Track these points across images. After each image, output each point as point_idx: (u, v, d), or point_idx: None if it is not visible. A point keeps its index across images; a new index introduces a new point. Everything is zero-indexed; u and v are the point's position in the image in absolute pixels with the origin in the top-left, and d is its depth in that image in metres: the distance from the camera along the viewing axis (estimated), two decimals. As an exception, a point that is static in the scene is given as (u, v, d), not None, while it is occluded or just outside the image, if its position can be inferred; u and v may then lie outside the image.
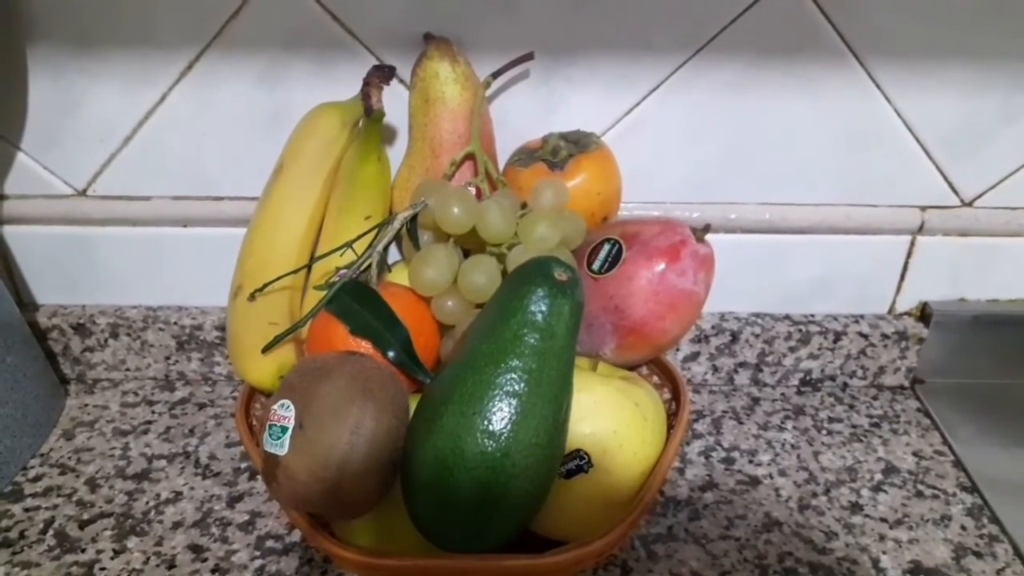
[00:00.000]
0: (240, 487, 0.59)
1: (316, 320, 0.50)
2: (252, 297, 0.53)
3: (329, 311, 0.49)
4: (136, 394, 0.69)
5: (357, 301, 0.48)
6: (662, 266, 0.51)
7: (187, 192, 0.64)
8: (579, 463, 0.46)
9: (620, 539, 0.44)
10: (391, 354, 0.47)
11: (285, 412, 0.42)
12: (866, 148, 0.63)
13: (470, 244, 0.53)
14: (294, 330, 0.50)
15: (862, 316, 0.71)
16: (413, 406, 0.46)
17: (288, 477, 0.42)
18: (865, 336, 0.69)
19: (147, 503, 0.58)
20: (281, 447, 0.42)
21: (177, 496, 0.59)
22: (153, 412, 0.67)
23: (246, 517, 0.57)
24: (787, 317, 0.70)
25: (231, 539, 0.55)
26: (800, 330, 0.69)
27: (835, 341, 0.69)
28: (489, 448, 0.40)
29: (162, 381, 0.70)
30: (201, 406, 0.68)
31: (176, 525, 0.56)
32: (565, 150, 0.57)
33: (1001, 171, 0.64)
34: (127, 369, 0.70)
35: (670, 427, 0.51)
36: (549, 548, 0.43)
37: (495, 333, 0.43)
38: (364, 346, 0.47)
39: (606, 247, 0.53)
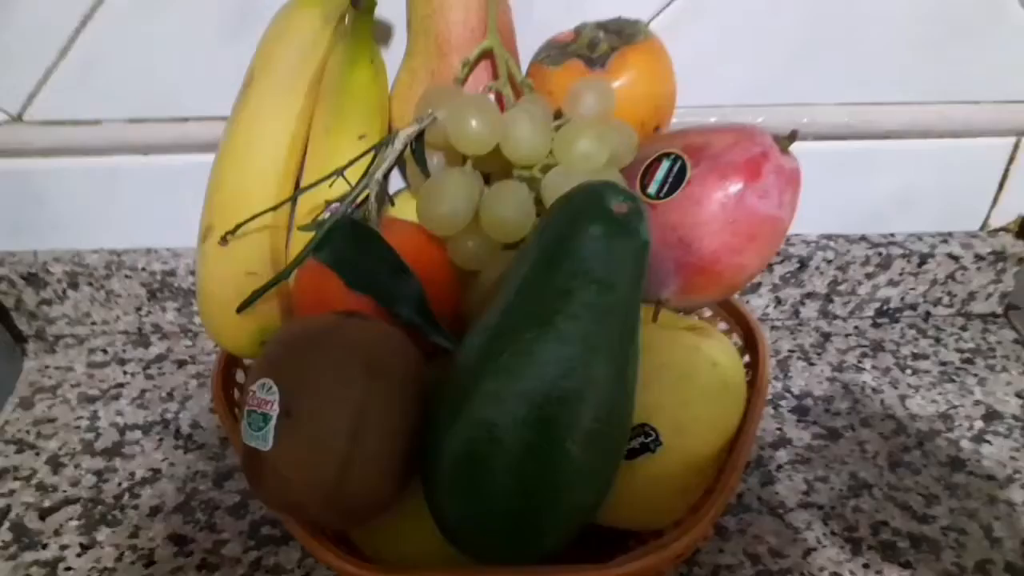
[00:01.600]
0: (228, 461, 0.51)
1: (303, 270, 0.39)
2: (224, 240, 0.42)
3: (319, 258, 0.38)
4: (105, 352, 0.59)
5: (353, 245, 0.38)
6: (739, 186, 0.40)
7: (144, 113, 0.53)
8: (644, 440, 0.37)
9: (703, 535, 0.35)
10: (400, 312, 0.37)
11: (266, 395, 0.32)
12: (970, 32, 0.52)
13: (492, 167, 0.42)
14: (276, 283, 0.40)
15: (950, 234, 0.60)
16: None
17: (276, 477, 0.33)
18: (955, 258, 0.59)
19: (120, 484, 0.49)
20: (264, 440, 0.32)
21: (155, 475, 0.50)
22: (125, 373, 0.58)
23: (236, 499, 0.48)
24: (863, 238, 0.60)
25: (219, 526, 0.47)
26: (879, 253, 0.58)
27: (920, 265, 0.59)
28: (535, 436, 0.31)
29: (134, 335, 0.61)
30: (180, 363, 0.58)
31: (154, 511, 0.48)
32: (605, 43, 0.45)
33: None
34: (93, 323, 0.60)
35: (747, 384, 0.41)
36: (606, 542, 0.34)
37: (537, 287, 0.32)
38: (365, 303, 0.37)
39: (665, 164, 0.42)
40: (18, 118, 0.53)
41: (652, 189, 0.42)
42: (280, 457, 0.32)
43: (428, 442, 0.34)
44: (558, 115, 0.43)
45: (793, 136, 0.42)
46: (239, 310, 0.39)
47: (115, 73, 0.52)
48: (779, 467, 0.50)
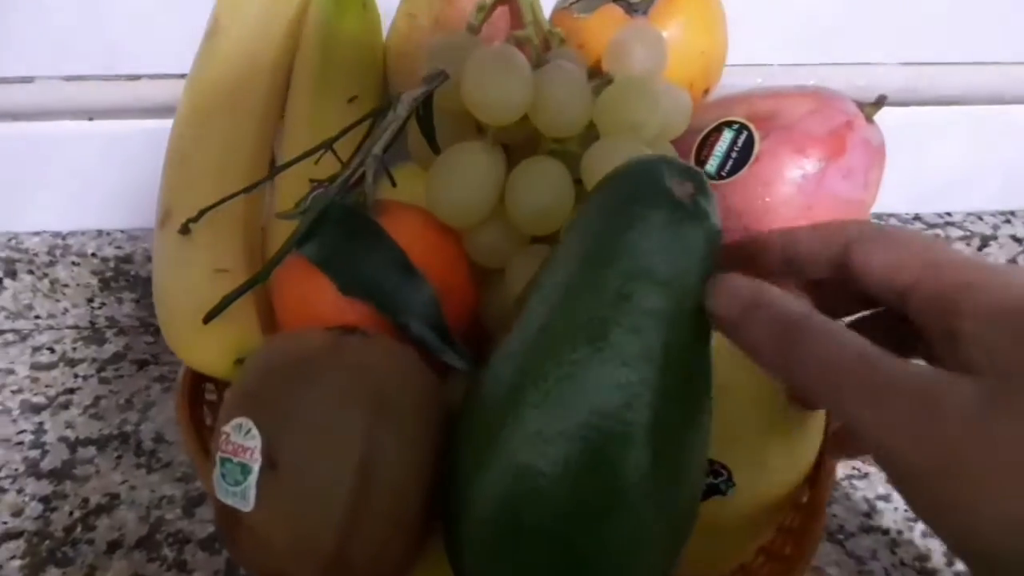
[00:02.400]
0: (200, 483, 0.43)
1: (285, 269, 0.32)
2: (185, 229, 0.35)
3: (304, 254, 0.31)
4: (51, 350, 0.51)
5: (347, 238, 0.30)
6: (819, 163, 0.33)
7: (87, 69, 0.45)
8: (714, 481, 0.30)
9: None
10: (408, 324, 0.29)
11: (244, 440, 0.25)
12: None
13: (516, 139, 0.34)
14: (252, 285, 0.32)
15: (1013, 213, 0.54)
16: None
17: (257, 543, 0.26)
18: (1020, 240, 0.52)
19: (71, 514, 0.42)
20: (242, 498, 0.25)
21: (112, 501, 0.42)
22: (76, 376, 0.50)
23: (210, 530, 0.41)
24: (917, 218, 0.53)
25: (190, 564, 0.40)
26: (937, 235, 0.52)
27: (981, 247, 0.53)
28: (589, 487, 0.24)
29: (86, 330, 0.53)
30: (141, 364, 0.50)
31: (113, 546, 0.40)
32: (647, -15, 0.37)
33: None
34: (36, 317, 0.52)
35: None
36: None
37: (584, 292, 0.25)
38: (363, 312, 0.29)
39: (727, 135, 0.35)
40: (-65, 75, 0.45)
41: (712, 166, 0.35)
42: (263, 520, 0.25)
43: (450, 493, 0.27)
44: (592, 74, 0.35)
45: (881, 102, 0.34)
46: (206, 319, 0.32)
47: (50, 21, 0.43)
48: (835, 484, 0.44)
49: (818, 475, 0.32)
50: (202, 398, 0.37)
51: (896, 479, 0.19)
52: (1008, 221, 0.53)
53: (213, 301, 0.32)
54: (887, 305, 0.23)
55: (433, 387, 0.28)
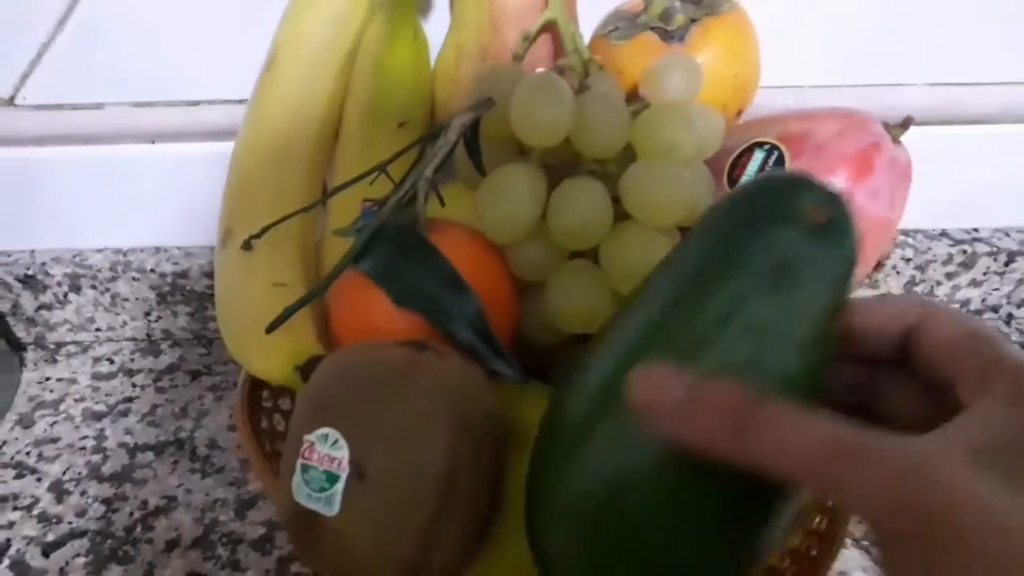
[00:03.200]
0: (251, 487, 0.46)
1: (342, 283, 0.34)
2: (247, 246, 0.37)
3: (360, 270, 0.33)
4: (111, 361, 0.54)
5: (400, 254, 0.32)
6: (847, 183, 0.34)
7: (151, 96, 0.48)
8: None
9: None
10: (458, 335, 0.31)
11: (332, 450, 0.27)
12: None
13: (558, 160, 0.36)
14: (311, 298, 0.34)
15: (1041, 230, 0.54)
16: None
17: (339, 547, 0.27)
18: (1048, 256, 0.53)
19: (131, 515, 0.44)
20: (328, 504, 0.26)
21: (170, 504, 0.45)
22: (134, 386, 0.52)
23: (262, 531, 0.43)
24: (944, 234, 0.54)
25: (243, 563, 0.42)
26: (964, 251, 0.53)
27: (1007, 264, 0.53)
28: (679, 499, 0.23)
29: (143, 342, 0.55)
30: (194, 375, 0.53)
31: (170, 545, 0.42)
32: (682, 13, 0.39)
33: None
34: (97, 329, 0.55)
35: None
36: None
37: (702, 334, 0.23)
38: (415, 323, 0.31)
39: (758, 155, 0.36)
40: (10, 101, 0.47)
41: (744, 185, 0.36)
42: (349, 526, 0.27)
43: (542, 487, 0.25)
44: (630, 98, 0.37)
45: (907, 124, 0.36)
46: (268, 330, 0.34)
47: (118, 51, 0.46)
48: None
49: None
50: (259, 406, 0.39)
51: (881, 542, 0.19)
52: (1037, 238, 0.53)
53: (273, 313, 0.34)
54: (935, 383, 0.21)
55: (498, 402, 0.29)
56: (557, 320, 0.34)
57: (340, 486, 0.26)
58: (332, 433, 0.26)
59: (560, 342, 0.37)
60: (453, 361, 0.29)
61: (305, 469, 0.27)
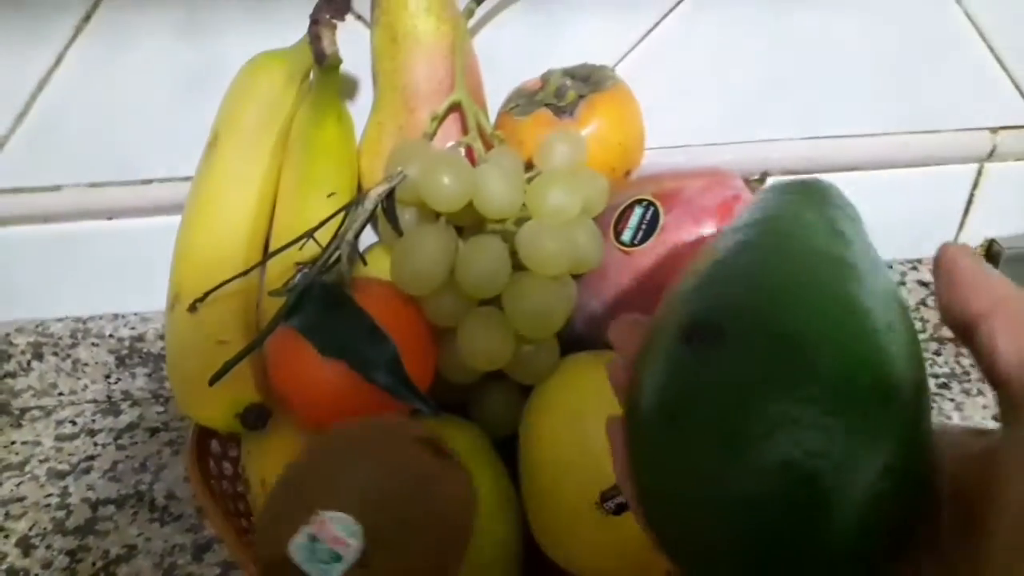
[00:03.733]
0: (207, 532, 0.49)
1: (276, 337, 0.38)
2: (193, 308, 0.41)
3: (291, 325, 0.37)
4: (73, 423, 0.58)
5: (325, 309, 0.37)
6: (713, 230, 0.40)
7: (106, 177, 0.52)
8: (623, 500, 0.36)
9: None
10: (376, 378, 0.36)
11: (345, 534, 0.29)
12: (930, 63, 0.52)
13: (465, 221, 0.41)
14: (247, 353, 0.38)
15: (919, 261, 0.60)
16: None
17: None
18: (925, 284, 0.59)
19: (94, 564, 0.47)
20: (324, 574, 0.29)
21: (131, 552, 0.48)
22: (95, 444, 0.56)
23: (217, 571, 0.47)
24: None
25: (200, 602, 0.45)
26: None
27: (893, 293, 0.59)
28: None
29: (104, 404, 0.59)
30: (153, 431, 0.57)
31: (131, 590, 0.46)
32: (573, 90, 0.45)
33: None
34: (60, 394, 0.58)
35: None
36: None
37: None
38: (339, 370, 0.36)
39: (637, 211, 0.42)
40: (-25, 188, 0.52)
41: (626, 236, 0.42)
42: None
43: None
44: (529, 166, 0.43)
45: (763, 178, 0.42)
46: (211, 382, 0.38)
47: (74, 137, 0.51)
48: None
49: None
50: (207, 452, 0.43)
51: None
52: (915, 268, 0.60)
53: (216, 367, 0.39)
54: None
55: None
56: (468, 360, 0.39)
57: (342, 567, 0.29)
58: (351, 523, 0.29)
59: (476, 381, 0.42)
60: (452, 462, 0.33)
61: (311, 539, 0.29)
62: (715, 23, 0.50)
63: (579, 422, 0.38)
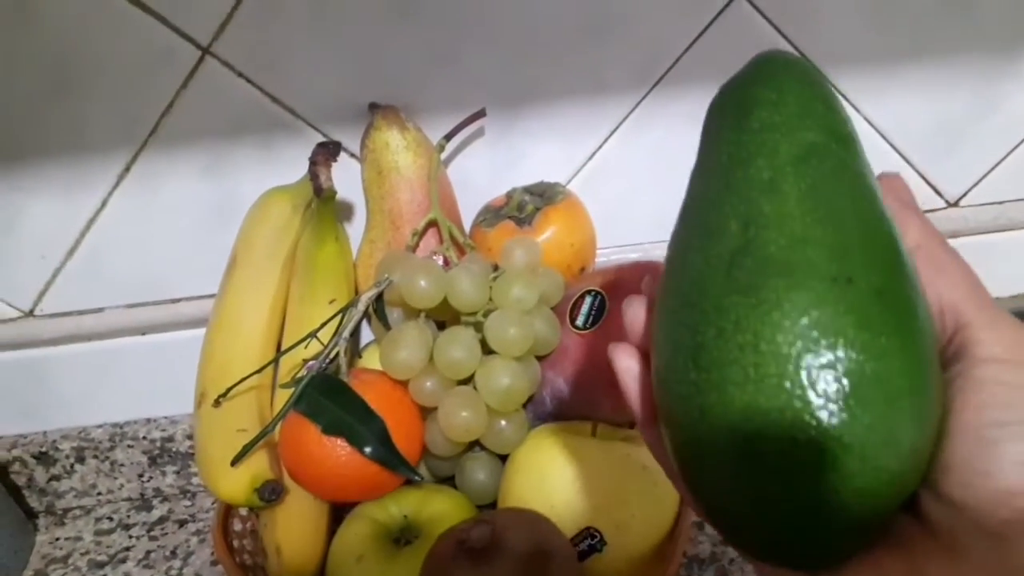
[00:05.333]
0: (230, 609, 0.55)
1: (286, 422, 0.46)
2: (217, 403, 0.49)
3: (298, 411, 0.45)
4: (111, 519, 0.64)
5: (326, 396, 0.45)
6: (648, 313, 0.47)
7: (141, 298, 0.61)
8: (592, 543, 0.42)
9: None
10: (368, 450, 0.43)
11: None
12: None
13: (444, 316, 0.49)
14: (262, 437, 0.46)
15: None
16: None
17: None
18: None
19: (130, 642, 0.53)
20: None
21: (163, 629, 0.54)
22: (130, 537, 0.62)
23: (239, 643, 0.52)
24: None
25: (225, 671, 0.50)
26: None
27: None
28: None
29: (137, 501, 0.66)
30: (182, 523, 0.63)
31: (163, 663, 0.51)
32: (531, 204, 0.54)
33: (982, 167, 0.61)
34: (99, 493, 0.65)
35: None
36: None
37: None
38: (339, 444, 0.43)
39: (588, 300, 0.49)
40: (30, 313, 0.61)
41: (579, 321, 0.49)
42: None
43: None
44: (496, 268, 0.51)
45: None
46: (233, 463, 0.45)
47: (114, 266, 0.60)
48: (731, 560, 0.55)
49: (677, 527, 0.44)
50: (231, 530, 0.49)
51: None
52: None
53: (237, 450, 0.46)
54: None
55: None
56: (449, 433, 0.46)
57: None
58: None
59: (460, 454, 0.49)
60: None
61: None
62: (651, 140, 0.59)
63: (545, 483, 0.44)
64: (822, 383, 0.20)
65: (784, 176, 0.23)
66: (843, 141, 0.24)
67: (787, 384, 0.20)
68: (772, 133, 0.24)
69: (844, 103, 0.57)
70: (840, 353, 0.20)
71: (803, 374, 0.20)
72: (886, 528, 0.21)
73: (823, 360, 0.20)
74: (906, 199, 0.25)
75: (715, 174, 0.25)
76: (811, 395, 0.20)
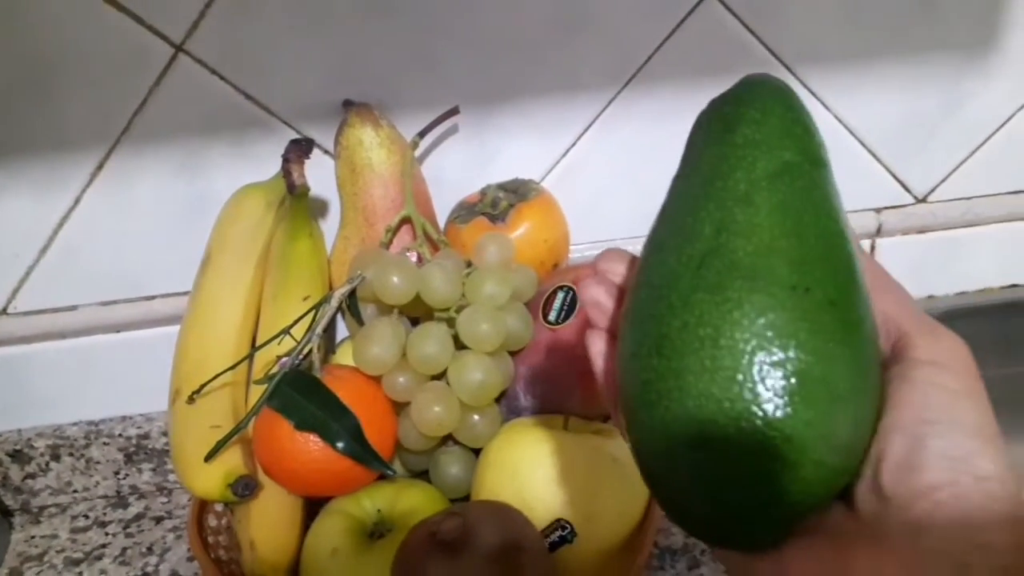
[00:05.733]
0: (206, 605, 0.55)
1: (260, 418, 0.46)
2: (191, 400, 0.49)
3: (271, 407, 0.45)
4: (87, 516, 0.64)
5: (299, 392, 0.45)
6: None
7: (115, 295, 0.61)
8: (562, 534, 0.43)
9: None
10: (340, 445, 0.43)
11: None
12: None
13: (417, 312, 0.50)
14: (235, 433, 0.46)
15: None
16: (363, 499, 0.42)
17: None
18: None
19: (106, 638, 0.53)
20: None
21: (138, 625, 0.54)
22: (107, 534, 0.62)
23: (215, 638, 0.52)
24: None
25: (201, 666, 0.51)
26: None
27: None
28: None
29: (114, 498, 0.66)
30: (158, 520, 0.63)
31: (139, 659, 0.51)
32: (505, 200, 0.55)
33: (950, 163, 0.63)
34: (74, 491, 0.65)
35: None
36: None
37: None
38: (312, 440, 0.44)
39: (560, 295, 0.50)
40: (3, 312, 0.60)
41: (552, 316, 0.50)
42: None
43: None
44: (470, 264, 0.51)
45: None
46: (207, 459, 0.46)
47: (88, 264, 0.59)
48: (702, 552, 0.55)
49: (647, 518, 0.45)
50: (205, 521, 0.49)
51: None
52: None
53: (211, 446, 0.46)
54: None
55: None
56: (421, 428, 0.46)
57: None
58: None
59: (434, 449, 0.49)
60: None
61: None
62: (624, 137, 0.59)
63: (516, 476, 0.45)
64: (771, 379, 0.22)
65: (759, 190, 0.25)
66: (816, 163, 0.26)
67: (739, 377, 0.22)
68: (753, 149, 0.25)
69: (813, 100, 0.58)
70: (791, 354, 0.22)
71: (755, 369, 0.22)
72: (821, 515, 0.23)
73: (775, 359, 0.22)
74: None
75: (696, 182, 0.26)
76: (760, 389, 0.22)
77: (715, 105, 0.28)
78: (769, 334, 0.22)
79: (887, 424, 0.22)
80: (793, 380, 0.21)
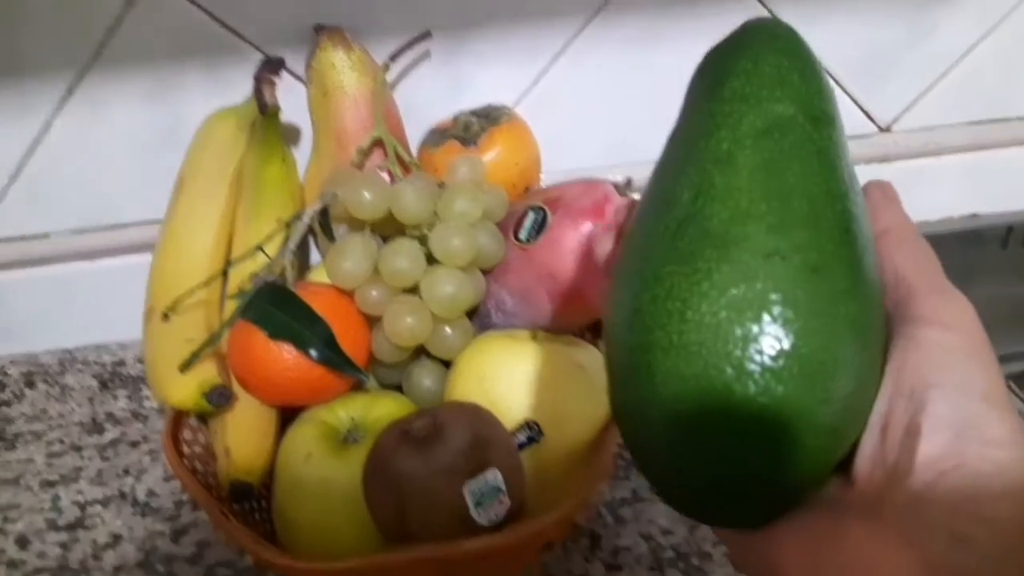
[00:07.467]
0: (183, 519, 0.56)
1: (234, 330, 0.47)
2: (165, 317, 0.50)
3: (246, 319, 0.46)
4: (62, 442, 0.65)
5: (274, 304, 0.46)
6: (589, 226, 0.49)
7: (88, 223, 0.61)
8: (530, 434, 0.44)
9: (579, 508, 0.42)
10: (314, 352, 0.44)
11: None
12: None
13: (389, 231, 0.50)
14: (212, 342, 0.47)
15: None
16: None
17: None
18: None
19: (84, 552, 0.54)
20: None
21: (116, 539, 0.55)
22: (82, 458, 0.63)
23: (193, 550, 0.54)
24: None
25: (179, 574, 0.52)
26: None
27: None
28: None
29: (89, 425, 0.66)
30: (134, 444, 0.64)
31: (117, 569, 0.53)
32: (477, 125, 0.55)
33: (913, 92, 0.64)
34: (49, 418, 0.66)
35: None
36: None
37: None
38: (286, 348, 0.44)
39: (531, 215, 0.51)
40: (-26, 239, 0.60)
41: (523, 235, 0.51)
42: None
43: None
44: (442, 186, 0.52)
45: (629, 182, 0.51)
46: (182, 369, 0.46)
47: (61, 191, 0.59)
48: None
49: (608, 429, 0.46)
50: (180, 435, 0.50)
51: None
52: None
53: (185, 359, 0.47)
54: None
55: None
56: (394, 339, 0.47)
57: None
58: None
59: (406, 361, 0.51)
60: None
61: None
62: (598, 63, 0.60)
63: (484, 381, 0.46)
64: (739, 353, 0.20)
65: (742, 149, 0.23)
66: (815, 119, 0.24)
67: (704, 353, 0.21)
68: (740, 104, 0.24)
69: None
70: (762, 327, 0.20)
71: (721, 345, 0.20)
72: (817, 491, 0.22)
73: (743, 332, 0.20)
74: (890, 195, 0.26)
75: (681, 143, 0.25)
76: (726, 365, 0.20)
77: (710, 56, 0.27)
78: (738, 306, 0.20)
79: (888, 389, 0.21)
80: (764, 355, 0.20)
